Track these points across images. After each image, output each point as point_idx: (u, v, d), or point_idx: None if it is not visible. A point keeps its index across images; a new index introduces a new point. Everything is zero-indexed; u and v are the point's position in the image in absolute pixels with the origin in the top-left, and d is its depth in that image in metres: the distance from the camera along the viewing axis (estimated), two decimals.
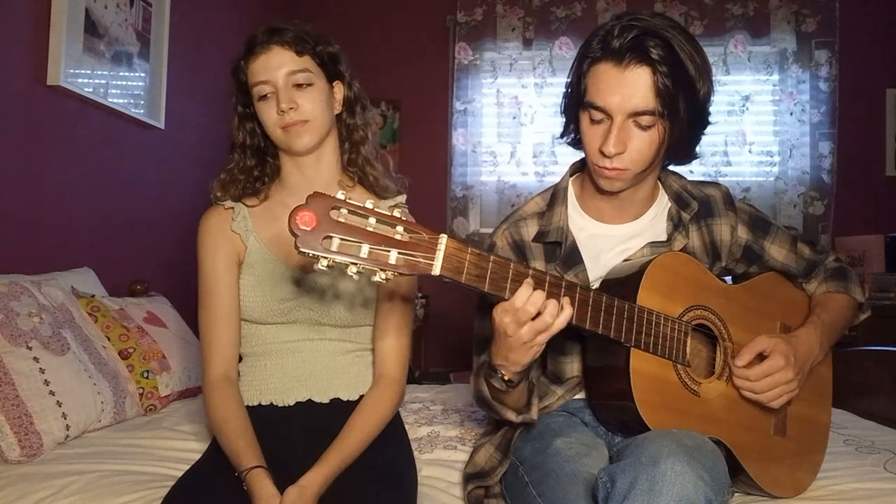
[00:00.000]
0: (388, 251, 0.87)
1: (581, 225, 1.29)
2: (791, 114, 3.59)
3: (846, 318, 1.36)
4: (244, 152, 1.33)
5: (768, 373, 1.16)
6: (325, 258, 0.84)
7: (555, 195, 1.32)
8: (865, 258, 3.31)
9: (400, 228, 0.88)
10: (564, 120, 1.27)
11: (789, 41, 3.59)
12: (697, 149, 1.25)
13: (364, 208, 0.86)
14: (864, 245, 3.33)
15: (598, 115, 1.14)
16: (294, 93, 1.25)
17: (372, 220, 0.86)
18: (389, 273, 0.87)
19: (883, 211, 3.52)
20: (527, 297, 0.96)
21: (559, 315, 0.98)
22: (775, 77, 3.62)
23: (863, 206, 3.54)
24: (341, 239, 0.84)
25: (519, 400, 1.17)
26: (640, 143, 1.14)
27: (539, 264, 1.28)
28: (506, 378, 1.08)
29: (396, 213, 0.88)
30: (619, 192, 1.22)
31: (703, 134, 1.23)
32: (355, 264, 0.85)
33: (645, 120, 1.12)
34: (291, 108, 1.24)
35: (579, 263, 1.24)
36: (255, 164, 1.34)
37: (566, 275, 1.23)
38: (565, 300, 0.99)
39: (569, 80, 1.23)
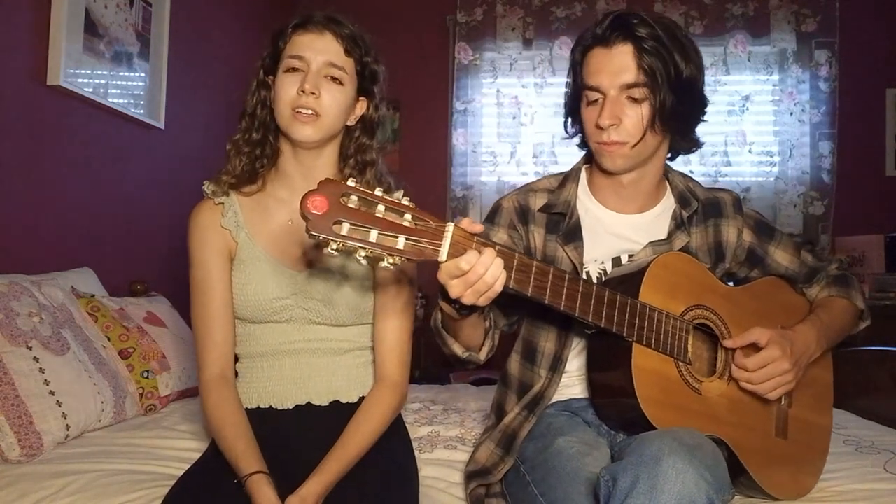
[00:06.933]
0: (397, 237, 0.89)
1: (587, 206, 1.33)
2: (791, 114, 3.58)
3: (847, 321, 1.37)
4: (252, 121, 1.31)
5: (765, 362, 1.18)
6: (335, 241, 0.86)
7: (567, 176, 1.37)
8: (865, 258, 3.31)
9: (408, 216, 0.90)
10: (570, 119, 1.33)
11: (789, 41, 3.58)
12: (698, 136, 1.30)
13: (374, 195, 0.89)
14: (864, 245, 3.32)
15: (593, 95, 1.23)
16: (322, 82, 1.23)
17: (381, 207, 0.89)
18: (397, 258, 0.89)
19: (883, 211, 3.51)
20: (470, 266, 0.93)
21: (498, 279, 0.95)
22: (775, 77, 3.62)
23: (863, 206, 3.53)
24: (351, 224, 0.86)
25: (469, 338, 1.19)
26: (634, 115, 1.20)
27: (538, 233, 1.31)
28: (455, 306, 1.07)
29: (405, 202, 0.91)
30: (623, 172, 1.26)
31: (700, 114, 1.28)
32: (364, 248, 0.87)
33: (636, 93, 1.19)
34: (313, 94, 1.21)
35: (579, 240, 1.28)
36: (260, 139, 1.31)
37: (565, 248, 1.28)
38: (498, 260, 0.96)
39: (568, 78, 1.31)
